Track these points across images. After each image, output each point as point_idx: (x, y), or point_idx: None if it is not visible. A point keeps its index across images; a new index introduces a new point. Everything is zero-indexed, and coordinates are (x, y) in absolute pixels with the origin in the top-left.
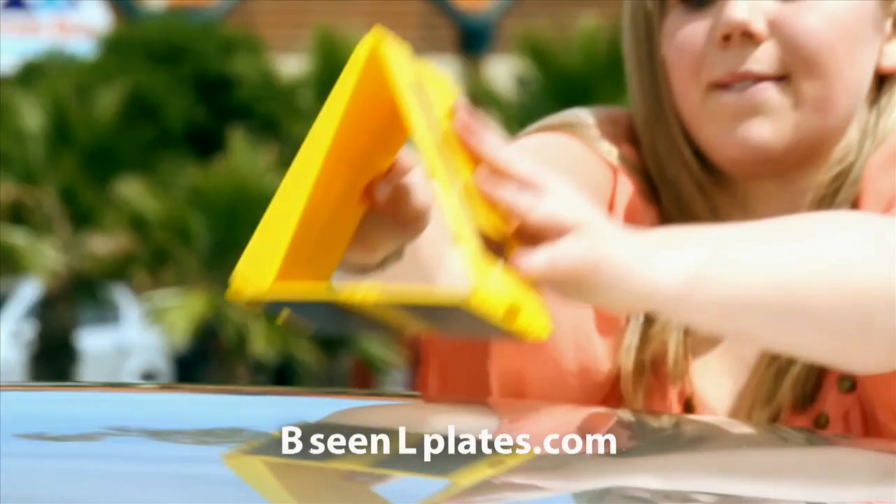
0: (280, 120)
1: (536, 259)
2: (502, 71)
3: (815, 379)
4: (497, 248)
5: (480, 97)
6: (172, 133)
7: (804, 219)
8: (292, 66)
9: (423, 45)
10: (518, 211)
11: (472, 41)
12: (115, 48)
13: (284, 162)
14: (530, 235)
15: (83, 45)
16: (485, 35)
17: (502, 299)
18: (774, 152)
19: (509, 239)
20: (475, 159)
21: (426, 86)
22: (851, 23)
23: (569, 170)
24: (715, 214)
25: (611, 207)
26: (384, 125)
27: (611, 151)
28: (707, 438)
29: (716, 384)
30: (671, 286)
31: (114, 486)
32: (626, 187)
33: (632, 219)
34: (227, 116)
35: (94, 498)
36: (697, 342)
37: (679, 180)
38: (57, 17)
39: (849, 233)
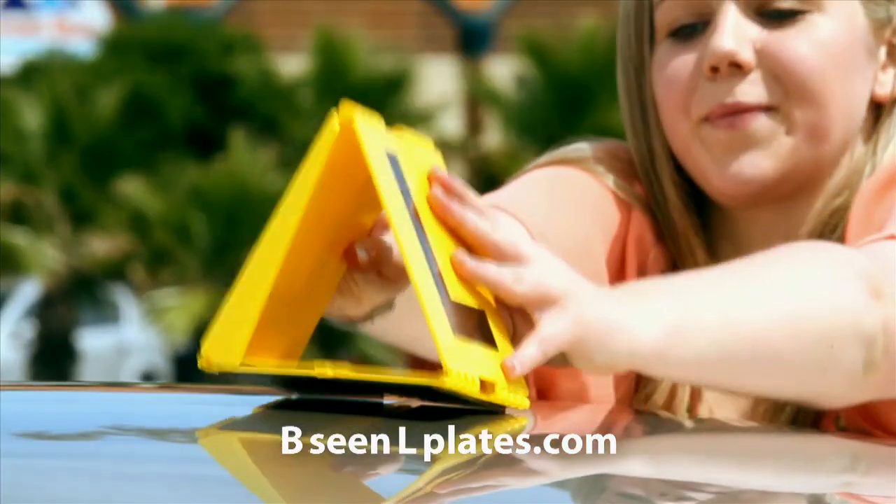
0: (280, 120)
1: (527, 353)
2: (502, 71)
3: (812, 419)
4: (480, 316)
5: (480, 97)
6: (172, 133)
7: (768, 258)
8: (292, 65)
9: (423, 45)
10: (502, 287)
11: (472, 41)
12: (115, 48)
13: (284, 162)
14: (514, 305)
15: (83, 44)
16: (485, 35)
17: (476, 378)
18: (768, 183)
19: (491, 308)
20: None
21: (406, 151)
22: (842, 50)
23: (586, 206)
24: (711, 250)
25: (624, 245)
26: (364, 185)
27: (623, 188)
28: (693, 433)
29: None
30: (649, 343)
31: (114, 486)
32: (639, 224)
33: (643, 256)
34: (227, 116)
35: (94, 498)
36: (700, 391)
37: (673, 218)
38: (57, 17)
39: (810, 271)
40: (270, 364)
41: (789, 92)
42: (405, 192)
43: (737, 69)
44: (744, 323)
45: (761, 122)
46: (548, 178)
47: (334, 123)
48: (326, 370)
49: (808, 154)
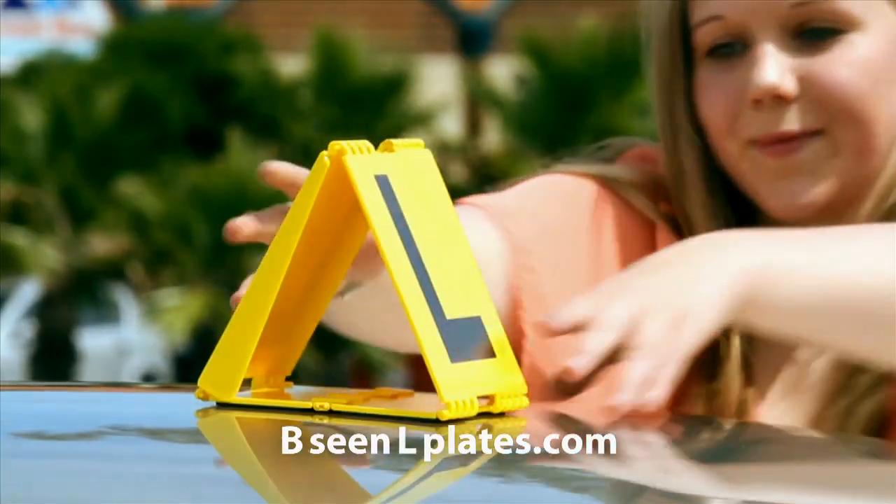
0: (280, 120)
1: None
2: (502, 71)
3: (880, 421)
4: (477, 324)
5: (480, 97)
6: (172, 133)
7: (855, 228)
8: (292, 66)
9: (423, 46)
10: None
11: (472, 41)
12: (115, 48)
13: (284, 162)
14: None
15: (83, 45)
16: (485, 35)
17: (475, 400)
18: (822, 205)
19: (488, 314)
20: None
21: (399, 167)
22: (882, 66)
23: (605, 225)
24: None
25: None
26: (357, 203)
27: (649, 206)
28: (696, 432)
29: None
30: (737, 292)
31: (114, 486)
32: (666, 244)
33: None
34: (226, 116)
35: (94, 498)
36: (760, 391)
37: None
38: (57, 17)
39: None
40: (266, 398)
41: (834, 116)
42: (397, 216)
43: (780, 100)
44: (842, 275)
45: (809, 149)
46: (562, 193)
47: (324, 160)
48: (324, 403)
49: (857, 172)
